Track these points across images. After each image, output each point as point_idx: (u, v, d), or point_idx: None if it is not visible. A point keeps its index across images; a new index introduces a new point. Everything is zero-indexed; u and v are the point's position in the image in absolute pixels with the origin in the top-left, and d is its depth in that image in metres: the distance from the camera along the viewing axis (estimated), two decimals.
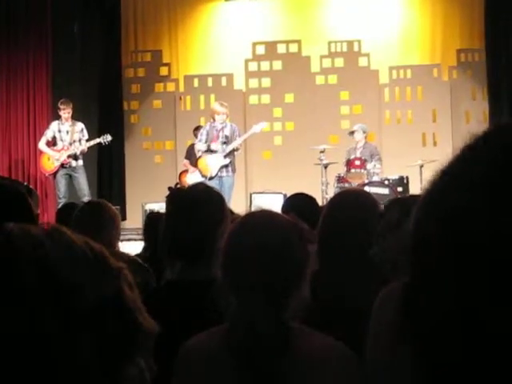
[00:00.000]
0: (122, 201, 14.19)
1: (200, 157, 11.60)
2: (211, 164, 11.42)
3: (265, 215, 2.25)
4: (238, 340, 2.08)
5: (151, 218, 5.35)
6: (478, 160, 0.82)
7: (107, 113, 14.33)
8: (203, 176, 11.31)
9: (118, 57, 14.74)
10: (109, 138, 12.28)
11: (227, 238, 2.21)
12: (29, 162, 13.41)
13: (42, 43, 13.48)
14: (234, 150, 11.50)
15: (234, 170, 11.52)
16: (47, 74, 13.52)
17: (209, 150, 11.43)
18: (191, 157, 12.60)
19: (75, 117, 12.36)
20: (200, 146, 11.55)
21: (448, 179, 0.84)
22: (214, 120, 11.51)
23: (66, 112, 12.13)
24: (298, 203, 4.60)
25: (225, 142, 11.44)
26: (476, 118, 14.02)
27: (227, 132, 11.50)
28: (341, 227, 2.99)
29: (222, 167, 11.39)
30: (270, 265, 2.09)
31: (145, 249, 5.21)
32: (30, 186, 12.05)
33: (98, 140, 12.29)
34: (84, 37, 14.22)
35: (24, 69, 13.52)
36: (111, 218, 4.45)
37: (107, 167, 14.38)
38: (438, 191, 0.85)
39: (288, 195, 12.14)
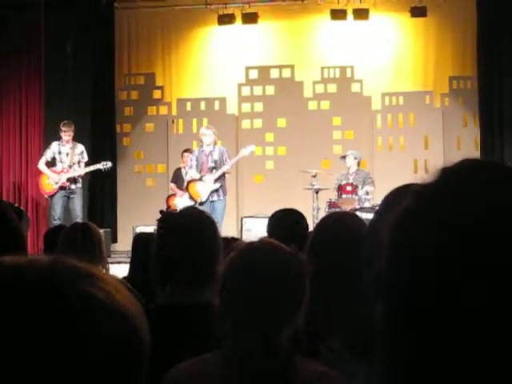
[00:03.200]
0: (113, 223, 14.16)
1: (190, 182, 11.62)
2: (201, 189, 11.44)
3: (266, 246, 2.25)
4: (236, 368, 2.07)
5: (138, 240, 5.30)
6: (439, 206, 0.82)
7: (100, 135, 14.33)
8: (194, 201, 11.32)
9: (112, 79, 14.75)
10: (109, 164, 12.31)
11: (227, 267, 2.20)
12: (20, 185, 13.39)
13: (34, 65, 13.50)
14: (224, 174, 11.55)
15: (225, 193, 11.54)
16: (40, 96, 13.53)
17: (202, 179, 11.47)
18: (178, 180, 12.63)
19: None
20: (193, 174, 11.56)
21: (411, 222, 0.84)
22: (202, 144, 11.58)
23: (67, 134, 12.15)
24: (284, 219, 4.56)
25: (214, 167, 11.47)
26: (468, 145, 14.07)
27: (216, 156, 11.54)
28: (328, 250, 2.97)
29: (213, 192, 11.41)
30: (269, 295, 2.09)
31: (131, 271, 5.16)
32: (21, 208, 12.03)
33: (98, 166, 12.28)
34: (77, 59, 14.24)
35: (17, 91, 13.54)
36: (96, 240, 4.44)
37: (99, 190, 14.35)
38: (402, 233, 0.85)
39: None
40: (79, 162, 12.22)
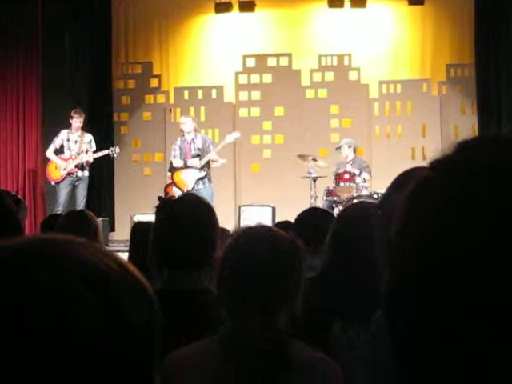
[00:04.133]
0: (110, 212, 14.17)
1: (175, 171, 11.64)
2: (187, 178, 11.46)
3: (263, 231, 2.26)
4: (233, 353, 2.08)
5: (137, 229, 5.30)
6: (450, 182, 0.83)
7: (97, 124, 14.29)
8: (180, 190, 11.33)
9: (109, 68, 14.73)
10: (117, 150, 12.44)
11: (225, 253, 2.21)
12: (18, 174, 13.37)
13: (32, 55, 13.47)
14: (209, 162, 11.56)
15: (210, 181, 11.56)
16: (37, 85, 13.51)
17: (186, 166, 11.48)
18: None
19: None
20: (177, 163, 11.59)
21: (423, 200, 0.85)
22: (183, 134, 11.60)
23: (78, 121, 12.23)
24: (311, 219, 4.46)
25: (198, 155, 11.48)
26: (465, 133, 14.06)
27: (199, 144, 11.56)
28: (348, 242, 2.96)
29: (198, 180, 11.43)
30: (266, 281, 2.11)
31: (129, 258, 5.15)
32: (19, 197, 12.01)
33: (106, 152, 12.37)
34: (74, 48, 14.24)
35: (14, 80, 13.51)
36: (92, 228, 4.44)
37: (96, 179, 14.33)
38: (414, 210, 0.85)
39: (277, 208, 12.07)
40: (87, 150, 12.28)
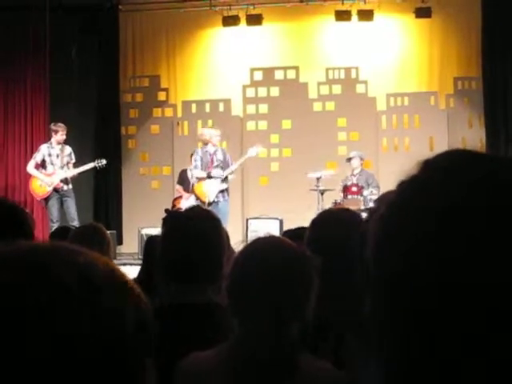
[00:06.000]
0: (118, 226, 14.17)
1: (197, 182, 11.57)
2: (209, 189, 11.37)
3: (272, 242, 2.26)
4: (243, 364, 2.08)
5: (151, 242, 5.30)
6: (432, 194, 0.82)
7: (105, 138, 14.34)
8: (202, 202, 11.22)
9: (116, 82, 14.77)
10: (103, 161, 12.22)
11: (234, 263, 2.21)
12: (26, 186, 13.40)
13: (40, 68, 13.52)
14: (227, 176, 11.52)
15: (228, 194, 11.53)
16: (45, 100, 13.56)
17: (209, 177, 11.40)
18: (184, 182, 12.59)
19: (72, 142, 12.36)
20: (198, 173, 11.48)
21: (402, 215, 0.84)
22: (207, 144, 11.51)
23: (64, 134, 12.07)
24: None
25: (221, 167, 11.43)
26: (473, 146, 14.02)
27: (220, 156, 11.51)
28: (322, 248, 2.94)
29: (219, 192, 11.37)
30: (277, 289, 2.11)
31: (141, 271, 5.16)
32: (26, 210, 12.00)
33: (91, 164, 12.20)
34: (82, 62, 14.27)
35: (22, 93, 13.57)
36: (104, 241, 4.45)
37: (104, 192, 14.37)
38: (392, 230, 0.84)
39: (284, 221, 12.06)
40: (68, 163, 12.13)
